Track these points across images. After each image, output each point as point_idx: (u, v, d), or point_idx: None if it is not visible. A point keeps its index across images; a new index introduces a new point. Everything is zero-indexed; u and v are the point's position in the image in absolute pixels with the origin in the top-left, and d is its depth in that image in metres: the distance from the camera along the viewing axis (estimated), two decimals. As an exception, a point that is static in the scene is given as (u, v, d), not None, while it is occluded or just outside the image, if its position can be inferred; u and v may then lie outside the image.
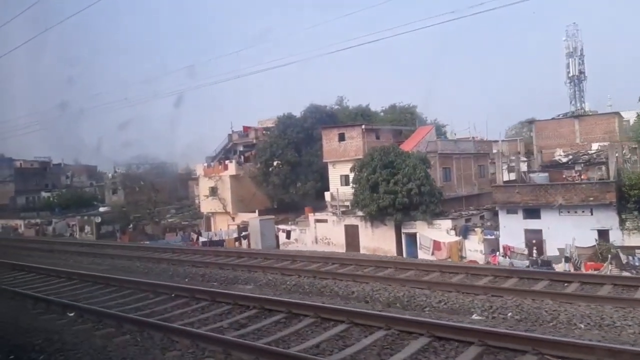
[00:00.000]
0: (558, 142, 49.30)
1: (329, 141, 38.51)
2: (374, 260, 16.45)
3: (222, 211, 45.18)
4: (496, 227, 30.39)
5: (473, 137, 43.78)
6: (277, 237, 35.26)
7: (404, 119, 47.71)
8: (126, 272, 15.24)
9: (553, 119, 53.21)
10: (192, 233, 38.45)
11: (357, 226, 34.56)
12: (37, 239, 35.83)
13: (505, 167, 47.72)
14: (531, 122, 55.71)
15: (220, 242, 33.49)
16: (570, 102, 79.73)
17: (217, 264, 15.71)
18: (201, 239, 35.74)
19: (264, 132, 48.52)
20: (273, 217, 30.50)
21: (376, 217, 31.62)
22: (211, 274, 14.04)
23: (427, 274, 13.81)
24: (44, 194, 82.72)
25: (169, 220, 56.00)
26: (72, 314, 9.20)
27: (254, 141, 48.65)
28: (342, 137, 37.82)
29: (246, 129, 50.96)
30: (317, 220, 36.76)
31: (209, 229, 50.11)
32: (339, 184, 38.55)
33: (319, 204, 39.51)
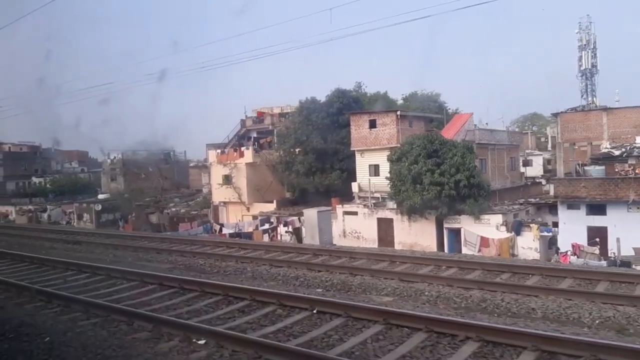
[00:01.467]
0: (584, 135, 47.22)
1: (358, 128, 35.92)
2: (433, 259, 13.87)
3: (236, 201, 42.41)
4: (544, 223, 28.44)
5: (507, 128, 41.59)
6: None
7: (427, 107, 45.34)
8: (203, 273, 12.59)
9: (578, 111, 51.36)
10: (214, 224, 35.67)
11: (391, 220, 32.13)
12: (33, 227, 32.78)
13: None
14: (557, 113, 53.82)
15: (249, 235, 30.86)
16: (582, 96, 78.15)
17: (304, 264, 12.99)
18: (225, 231, 32.99)
19: (280, 118, 45.82)
20: (330, 208, 27.84)
21: (416, 210, 29.22)
22: (306, 277, 11.45)
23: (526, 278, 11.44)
24: (35, 180, 78.88)
25: (172, 209, 53.02)
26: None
27: (270, 127, 45.88)
28: (373, 124, 35.24)
29: (260, 114, 48.13)
30: (346, 213, 34.22)
31: (217, 219, 47.46)
32: (368, 174, 36.10)
33: (345, 195, 37.07)
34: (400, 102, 49.45)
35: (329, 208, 27.12)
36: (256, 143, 45.66)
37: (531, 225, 27.02)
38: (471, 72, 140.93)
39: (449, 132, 33.12)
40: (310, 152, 36.37)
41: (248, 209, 42.61)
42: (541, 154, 54.77)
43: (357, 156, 36.41)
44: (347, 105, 37.94)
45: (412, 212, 29.59)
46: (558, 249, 24.49)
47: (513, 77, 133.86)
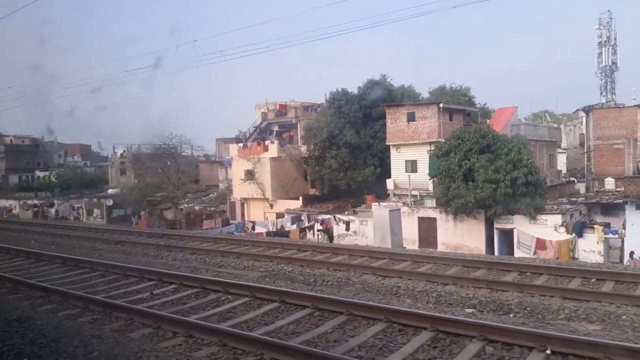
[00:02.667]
0: (617, 133, 45.59)
1: (395, 121, 33.87)
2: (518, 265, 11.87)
3: (259, 197, 40.29)
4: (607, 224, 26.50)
5: (547, 122, 39.67)
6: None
7: (457, 102, 43.31)
8: (305, 283, 10.50)
9: (611, 107, 49.55)
10: (247, 222, 33.58)
11: (434, 219, 30.15)
12: (52, 224, 30.53)
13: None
14: (588, 109, 51.96)
15: (286, 233, 28.81)
16: (601, 94, 76.40)
17: (423, 274, 10.88)
18: (259, 229, 30.91)
19: (304, 111, 43.78)
20: (400, 207, 25.76)
21: (467, 209, 27.24)
22: (440, 292, 9.37)
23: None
24: (39, 173, 76.39)
25: (186, 205, 50.80)
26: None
27: (294, 120, 43.75)
28: (411, 117, 33.19)
29: (282, 107, 45.96)
30: (383, 211, 32.18)
31: (234, 216, 45.38)
32: (404, 170, 34.10)
33: (378, 193, 35.12)
34: (426, 96, 47.35)
35: (398, 207, 25.07)
36: (279, 137, 43.53)
37: (595, 226, 25.06)
38: (481, 66, 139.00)
39: (496, 127, 31.13)
40: (343, 147, 34.29)
41: (271, 206, 40.53)
42: (564, 152, 52.98)
43: (392, 151, 34.39)
44: (381, 98, 35.87)
45: (462, 211, 27.61)
46: (632, 252, 22.53)
47: (525, 73, 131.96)
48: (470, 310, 8.11)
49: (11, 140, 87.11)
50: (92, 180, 67.05)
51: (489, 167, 26.17)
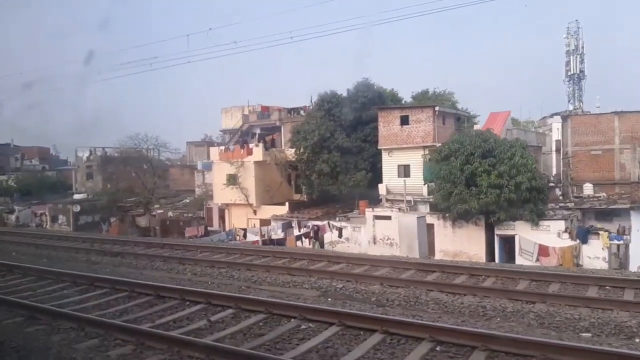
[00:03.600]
0: (595, 139, 46.36)
1: (387, 125, 32.96)
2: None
3: (241, 202, 38.54)
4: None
5: (535, 128, 39.71)
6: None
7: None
8: (379, 305, 9.11)
9: (588, 114, 50.34)
10: (237, 229, 31.75)
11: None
12: (18, 232, 27.97)
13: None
14: (566, 116, 52.66)
15: (281, 242, 27.26)
16: (569, 101, 78.29)
17: (502, 292, 9.66)
18: (251, 237, 29.22)
19: (289, 113, 42.36)
20: (425, 214, 24.58)
21: (472, 215, 26.50)
22: (540, 313, 8.21)
23: None
24: (-5, 177, 71.71)
25: (158, 211, 48.32)
26: None
27: (277, 123, 42.23)
28: (405, 121, 32.36)
29: (265, 108, 44.35)
30: (377, 217, 31.13)
31: (211, 222, 43.43)
32: (396, 174, 33.22)
33: (369, 198, 34.09)
34: (409, 100, 46.77)
35: (423, 214, 24.00)
36: (261, 140, 41.93)
37: (600, 232, 24.76)
38: (449, 70, 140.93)
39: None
40: (334, 150, 33.09)
41: (255, 212, 38.85)
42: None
43: (384, 155, 33.45)
44: (372, 100, 34.93)
45: (464, 217, 26.86)
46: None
47: (488, 80, 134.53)
48: (587, 335, 7.00)
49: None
50: (54, 185, 63.23)
51: (491, 172, 25.55)
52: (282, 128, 42.64)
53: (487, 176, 25.49)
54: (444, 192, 27.02)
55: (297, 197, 40.96)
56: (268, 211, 38.28)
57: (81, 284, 10.24)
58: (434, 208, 30.90)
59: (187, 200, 52.30)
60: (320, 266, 12.90)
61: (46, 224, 50.33)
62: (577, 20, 77.98)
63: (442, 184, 27.43)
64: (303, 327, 7.24)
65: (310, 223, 32.90)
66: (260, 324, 7.51)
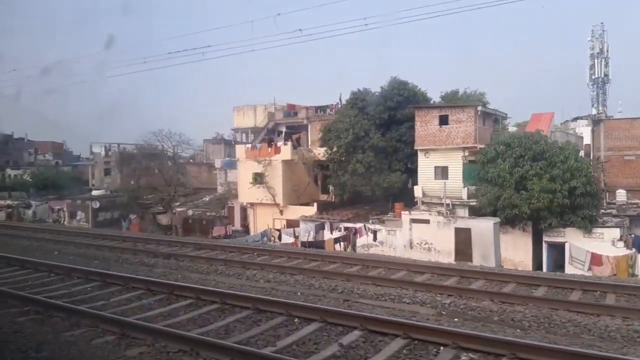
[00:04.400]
0: (628, 144, 44.98)
1: (425, 124, 31.70)
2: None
3: (267, 202, 37.42)
4: None
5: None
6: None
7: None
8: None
9: (622, 118, 48.92)
10: (272, 229, 30.62)
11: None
12: (50, 228, 26.90)
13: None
14: (598, 120, 51.26)
15: (320, 244, 26.09)
16: (592, 105, 76.75)
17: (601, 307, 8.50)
18: (286, 238, 28.06)
19: (317, 111, 41.27)
20: (496, 220, 23.32)
21: (514, 220, 25.27)
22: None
23: None
24: (11, 172, 70.95)
25: (178, 209, 47.30)
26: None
27: (304, 121, 41.12)
28: (444, 120, 31.11)
29: (291, 107, 43.24)
30: (414, 221, 29.93)
31: (233, 221, 42.33)
32: (432, 176, 32.01)
33: (403, 200, 32.96)
34: (438, 100, 45.52)
35: (495, 219, 22.77)
36: (287, 138, 40.85)
37: (659, 241, 23.46)
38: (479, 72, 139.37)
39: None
40: (368, 150, 31.91)
41: (281, 212, 37.72)
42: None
43: (420, 156, 32.19)
44: (407, 99, 33.76)
45: (511, 222, 25.62)
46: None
47: (511, 82, 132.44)
48: None
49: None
50: (70, 181, 62.37)
51: (542, 176, 24.32)
52: (308, 126, 41.50)
53: (538, 180, 24.27)
54: (490, 195, 25.79)
55: (323, 197, 39.88)
56: (295, 211, 37.16)
57: (158, 292, 9.11)
58: (474, 212, 29.73)
59: (207, 199, 51.34)
60: (409, 278, 11.61)
61: (64, 220, 49.41)
62: (602, 23, 76.61)
63: (488, 187, 26.20)
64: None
65: (342, 225, 31.78)
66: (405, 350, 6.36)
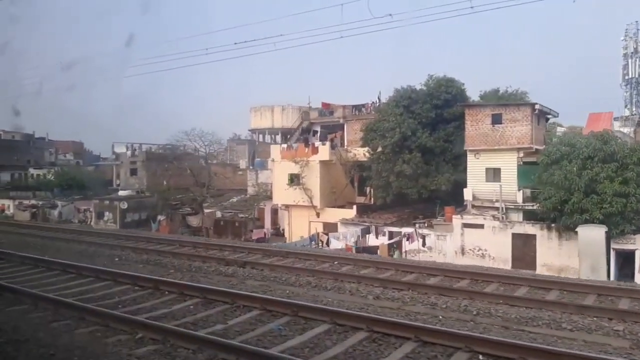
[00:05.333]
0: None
1: (476, 124, 30.14)
2: None
3: (304, 204, 36.08)
4: None
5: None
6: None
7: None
8: None
9: None
10: (320, 234, 29.27)
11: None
12: (90, 230, 25.73)
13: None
14: (642, 121, 49.35)
15: (374, 250, 24.70)
16: (625, 106, 74.53)
17: None
18: (335, 243, 26.67)
19: (354, 110, 39.87)
20: (605, 228, 21.72)
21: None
22: None
23: None
24: (33, 171, 70.38)
25: (206, 210, 46.12)
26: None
27: (341, 120, 39.72)
28: (497, 119, 29.56)
29: (326, 105, 41.87)
30: (466, 225, 28.44)
31: (275, 225, 41.09)
32: (483, 178, 30.45)
33: (451, 203, 31.47)
34: (476, 99, 43.89)
35: (602, 228, 21.12)
36: (323, 138, 39.49)
37: None
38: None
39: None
40: (415, 150, 30.43)
41: (318, 215, 36.36)
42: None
43: (470, 157, 30.63)
44: (454, 97, 32.30)
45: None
46: None
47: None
48: None
49: (0, 134, 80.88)
50: (95, 181, 61.52)
51: (614, 179, 22.68)
52: (345, 126, 40.10)
53: (610, 183, 22.63)
54: (555, 199, 24.14)
55: (359, 199, 38.46)
56: (332, 214, 35.79)
57: (280, 314, 7.75)
58: (530, 216, 28.16)
59: (234, 200, 50.20)
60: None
61: (90, 221, 48.48)
62: (637, 21, 74.31)
63: (552, 190, 24.57)
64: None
65: (386, 229, 30.39)
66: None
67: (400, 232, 30.10)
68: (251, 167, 53.44)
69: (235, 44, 15.79)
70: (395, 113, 31.53)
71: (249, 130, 73.37)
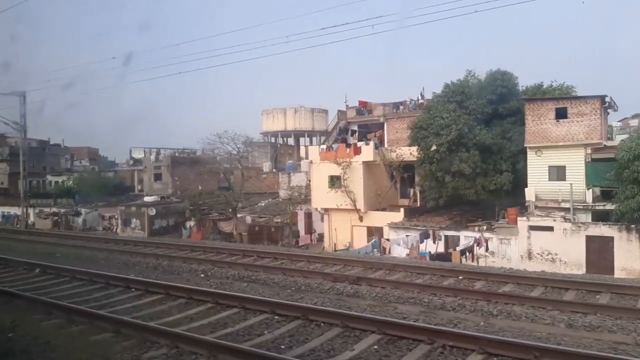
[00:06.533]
0: None
1: (537, 119, 28.22)
2: None
3: (346, 207, 34.17)
4: None
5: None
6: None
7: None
8: None
9: None
10: (382, 239, 27.35)
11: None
12: (148, 241, 23.73)
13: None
14: None
15: (448, 257, 22.76)
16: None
17: None
18: (399, 250, 24.73)
19: (394, 108, 38.00)
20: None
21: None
22: None
23: None
24: (51, 178, 68.87)
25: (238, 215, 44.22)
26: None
27: (382, 119, 37.84)
28: (561, 114, 27.63)
29: (362, 103, 39.97)
30: (533, 228, 26.47)
31: (308, 229, 39.32)
32: (546, 177, 28.52)
33: (510, 204, 29.58)
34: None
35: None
36: (362, 138, 37.61)
37: None
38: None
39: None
40: (472, 148, 28.52)
41: (361, 219, 34.45)
42: None
43: (530, 155, 28.73)
44: (510, 91, 30.45)
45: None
46: None
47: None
48: None
49: (16, 141, 79.43)
50: (117, 187, 59.96)
51: None
52: (385, 125, 38.19)
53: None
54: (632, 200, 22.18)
55: (402, 202, 36.55)
56: (377, 218, 33.90)
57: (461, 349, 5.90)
58: (600, 217, 26.23)
59: (262, 204, 48.35)
60: None
61: (116, 228, 46.79)
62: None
63: (635, 188, 22.61)
64: None
65: (442, 233, 28.47)
66: None
67: (458, 235, 28.27)
68: (275, 170, 51.65)
69: (323, 29, 13.76)
70: (448, 109, 29.64)
71: (261, 134, 71.86)
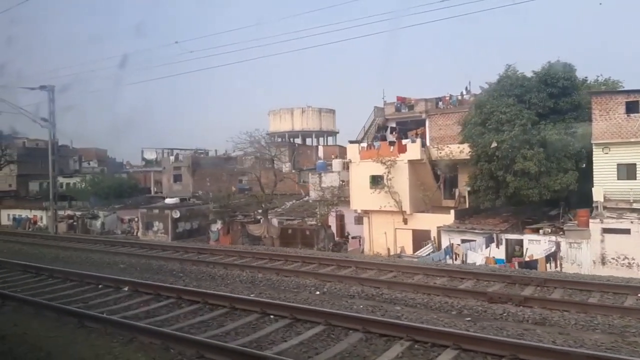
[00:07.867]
0: None
1: (606, 113, 26.24)
2: None
3: (389, 209, 32.16)
4: None
5: None
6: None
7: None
8: None
9: None
10: (455, 246, 25.25)
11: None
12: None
13: None
14: None
15: (533, 265, 20.64)
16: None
17: None
18: (474, 257, 22.61)
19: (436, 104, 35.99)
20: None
21: None
22: None
23: None
24: (62, 179, 66.62)
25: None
26: None
27: (423, 116, 35.79)
28: (632, 108, 25.66)
29: (401, 99, 37.92)
30: (607, 230, 24.44)
31: (341, 233, 37.29)
32: (614, 176, 26.51)
33: (575, 204, 27.63)
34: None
35: None
36: (402, 135, 35.57)
37: None
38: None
39: None
40: (536, 145, 26.47)
41: (405, 221, 32.41)
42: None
43: (597, 152, 26.73)
44: (572, 84, 28.46)
45: None
46: None
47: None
48: None
49: (24, 142, 77.40)
50: (132, 188, 57.78)
51: None
52: (426, 121, 36.14)
53: None
54: None
55: (446, 203, 34.52)
56: (423, 220, 31.91)
57: None
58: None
59: (287, 205, 46.28)
60: None
61: (137, 232, 44.66)
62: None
63: None
64: None
65: (503, 237, 26.45)
66: None
67: (521, 239, 26.27)
68: (294, 171, 49.76)
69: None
70: (507, 104, 27.59)
71: (267, 134, 70.06)
